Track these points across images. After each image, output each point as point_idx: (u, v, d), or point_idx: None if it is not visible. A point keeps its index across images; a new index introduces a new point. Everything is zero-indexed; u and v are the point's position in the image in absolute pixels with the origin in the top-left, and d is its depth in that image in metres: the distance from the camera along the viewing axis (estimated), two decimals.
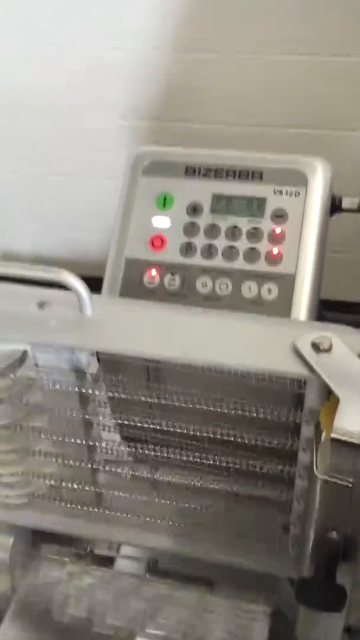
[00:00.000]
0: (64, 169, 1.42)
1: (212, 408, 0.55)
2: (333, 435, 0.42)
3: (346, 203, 0.73)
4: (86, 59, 1.28)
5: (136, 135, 1.29)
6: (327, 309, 0.84)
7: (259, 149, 0.76)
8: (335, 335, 0.49)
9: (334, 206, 0.72)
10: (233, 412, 0.54)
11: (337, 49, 1.20)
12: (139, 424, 0.58)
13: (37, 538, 0.74)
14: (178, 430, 0.58)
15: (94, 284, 0.54)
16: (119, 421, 0.59)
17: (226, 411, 0.55)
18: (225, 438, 0.57)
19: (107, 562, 0.76)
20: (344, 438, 0.42)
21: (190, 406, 0.55)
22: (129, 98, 1.31)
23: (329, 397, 0.47)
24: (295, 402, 0.52)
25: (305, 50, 1.20)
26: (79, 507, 0.67)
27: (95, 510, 0.68)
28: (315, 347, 0.48)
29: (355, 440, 0.42)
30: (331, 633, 0.55)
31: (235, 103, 1.28)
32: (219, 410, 0.55)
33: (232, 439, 0.57)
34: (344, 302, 1.26)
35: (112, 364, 0.55)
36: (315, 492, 0.47)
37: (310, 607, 0.49)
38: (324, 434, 0.46)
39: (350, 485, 0.44)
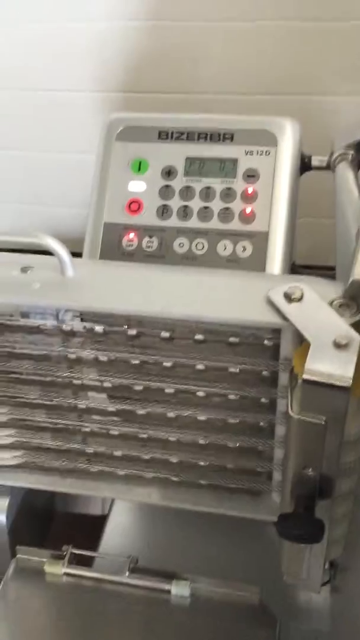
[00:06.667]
0: (41, 146, 1.42)
1: (196, 365, 0.57)
2: (304, 376, 0.45)
3: (315, 161, 0.75)
4: (53, 34, 1.27)
5: (108, 107, 1.29)
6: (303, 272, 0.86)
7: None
8: (307, 285, 0.51)
9: (304, 165, 0.75)
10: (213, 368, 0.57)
11: (306, 13, 1.20)
12: (124, 383, 0.61)
13: (12, 539, 0.75)
14: (163, 389, 0.60)
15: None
16: (105, 380, 0.62)
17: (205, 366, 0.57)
18: (208, 392, 0.59)
19: (87, 562, 0.74)
20: (314, 378, 0.45)
21: (171, 364, 0.57)
22: (100, 71, 1.31)
23: (302, 344, 0.49)
24: (272, 355, 0.55)
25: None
26: (69, 463, 0.69)
27: (85, 466, 0.70)
28: (288, 297, 0.51)
29: (324, 380, 0.45)
30: (313, 566, 0.58)
31: (203, 71, 1.28)
32: (200, 367, 0.57)
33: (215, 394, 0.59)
34: (322, 266, 1.28)
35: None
36: (291, 433, 0.50)
37: (290, 539, 0.52)
38: (298, 379, 0.49)
39: (322, 422, 0.47)
